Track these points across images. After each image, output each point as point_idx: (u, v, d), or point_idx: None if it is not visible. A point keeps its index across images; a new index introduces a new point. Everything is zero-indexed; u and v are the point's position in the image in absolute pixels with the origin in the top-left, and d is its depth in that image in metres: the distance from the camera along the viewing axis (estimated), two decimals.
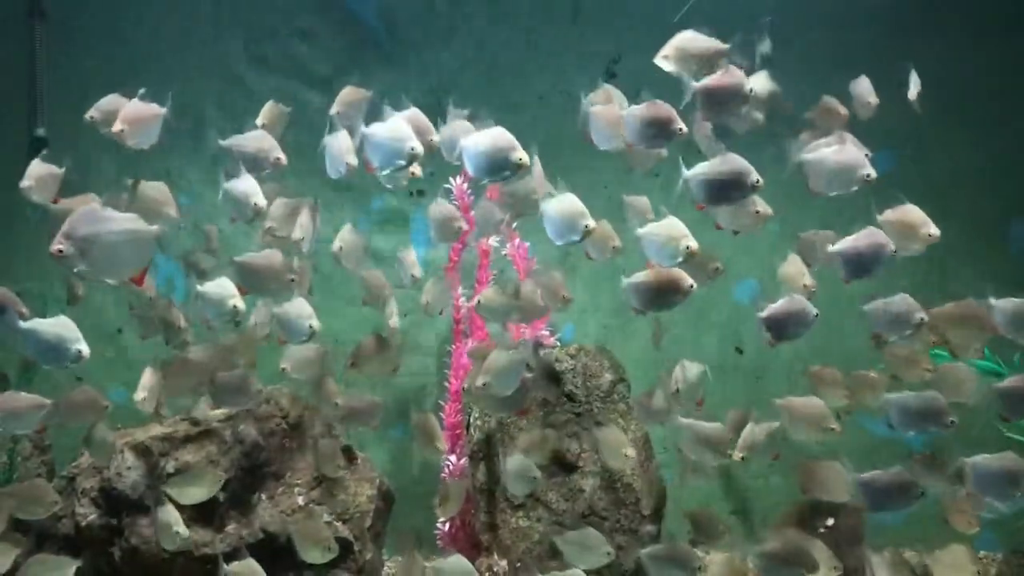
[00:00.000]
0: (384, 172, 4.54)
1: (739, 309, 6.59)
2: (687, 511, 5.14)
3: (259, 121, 5.12)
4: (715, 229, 4.81)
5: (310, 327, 4.80)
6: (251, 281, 4.84)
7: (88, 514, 5.18)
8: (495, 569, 5.30)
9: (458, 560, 4.67)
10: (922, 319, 4.66)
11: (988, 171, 6.67)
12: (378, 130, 4.52)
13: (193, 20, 6.71)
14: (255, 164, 4.84)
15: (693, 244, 4.37)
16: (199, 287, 4.73)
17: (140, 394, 5.03)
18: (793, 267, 4.88)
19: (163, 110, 4.72)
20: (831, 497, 4.83)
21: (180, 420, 5.53)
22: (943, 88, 6.48)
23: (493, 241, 6.09)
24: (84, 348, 4.19)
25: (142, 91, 4.72)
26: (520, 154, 4.30)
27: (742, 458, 4.87)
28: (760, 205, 4.73)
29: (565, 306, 4.99)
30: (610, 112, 4.58)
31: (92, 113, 4.76)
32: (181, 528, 4.75)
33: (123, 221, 4.10)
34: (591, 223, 4.39)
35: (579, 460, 5.36)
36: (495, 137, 4.34)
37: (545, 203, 4.46)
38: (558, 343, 5.99)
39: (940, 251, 6.16)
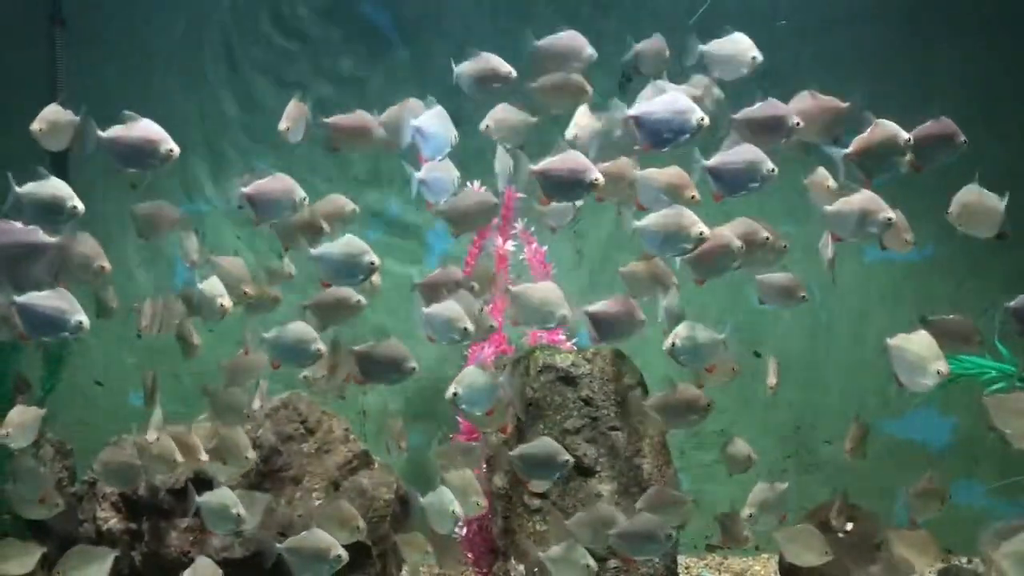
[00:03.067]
0: (437, 160, 4.60)
1: (757, 313, 6.56)
2: (717, 514, 5.12)
3: (282, 125, 5.08)
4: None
5: (317, 350, 4.68)
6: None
7: (109, 518, 5.23)
8: (512, 574, 5.31)
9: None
10: None
11: (1013, 170, 6.61)
12: (428, 120, 4.59)
13: (210, 26, 6.74)
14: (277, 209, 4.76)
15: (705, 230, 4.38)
16: (198, 285, 4.75)
17: (152, 435, 5.08)
18: (926, 346, 4.37)
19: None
20: (920, 565, 4.71)
21: (199, 424, 5.58)
22: (964, 87, 6.45)
23: (510, 246, 6.10)
24: (84, 319, 4.11)
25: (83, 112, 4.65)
26: (700, 115, 4.20)
27: (750, 516, 4.82)
28: (908, 234, 4.70)
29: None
30: (662, 175, 4.54)
31: (38, 125, 4.68)
32: (240, 509, 4.64)
33: (19, 234, 3.94)
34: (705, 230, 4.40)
35: (596, 465, 5.36)
36: (671, 102, 4.24)
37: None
38: (575, 347, 5.98)
39: (962, 252, 6.17)
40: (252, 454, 5.00)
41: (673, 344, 4.58)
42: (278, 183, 4.68)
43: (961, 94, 6.31)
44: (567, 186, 4.44)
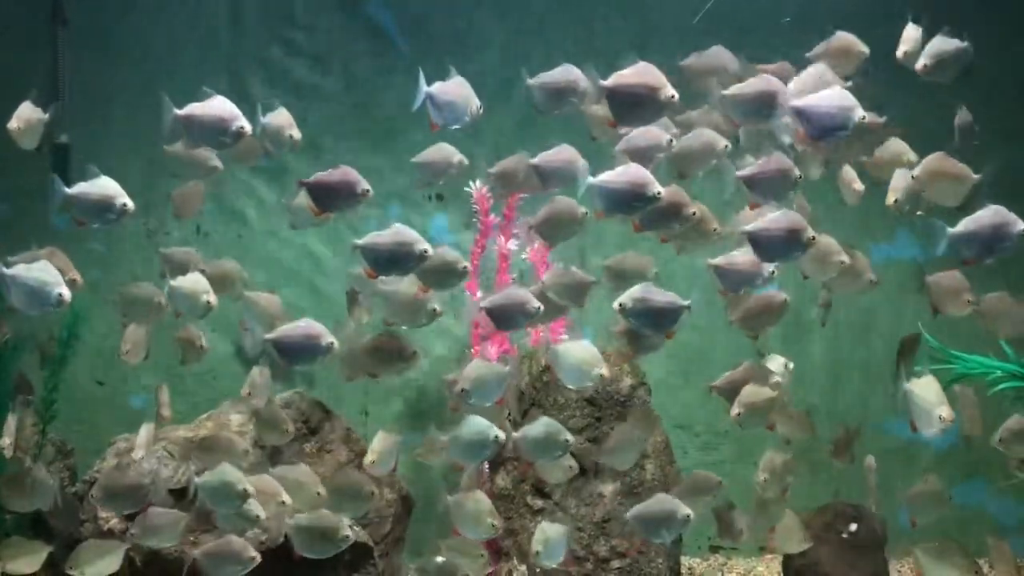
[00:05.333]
0: (452, 127, 4.53)
1: None
2: (714, 508, 5.11)
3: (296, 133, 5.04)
4: None
5: (329, 345, 4.43)
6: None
7: (110, 518, 5.21)
8: (515, 574, 5.30)
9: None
10: None
11: (1017, 170, 6.59)
12: (444, 88, 4.51)
13: (213, 27, 6.74)
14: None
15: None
16: (172, 282, 4.66)
17: (139, 452, 5.07)
18: (932, 392, 4.40)
19: None
20: None
21: (201, 423, 5.58)
22: (970, 86, 6.41)
23: (512, 244, 6.09)
24: (65, 292, 4.10)
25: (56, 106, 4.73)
26: (862, 112, 4.12)
27: (764, 480, 4.88)
28: (872, 275, 4.74)
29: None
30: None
31: (15, 123, 4.72)
32: (247, 485, 4.52)
33: None
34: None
35: (599, 464, 5.34)
36: (835, 96, 4.17)
37: None
38: None
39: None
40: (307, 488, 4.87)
41: (622, 305, 4.35)
42: (340, 174, 4.42)
43: (967, 93, 6.28)
44: (626, 200, 4.34)
